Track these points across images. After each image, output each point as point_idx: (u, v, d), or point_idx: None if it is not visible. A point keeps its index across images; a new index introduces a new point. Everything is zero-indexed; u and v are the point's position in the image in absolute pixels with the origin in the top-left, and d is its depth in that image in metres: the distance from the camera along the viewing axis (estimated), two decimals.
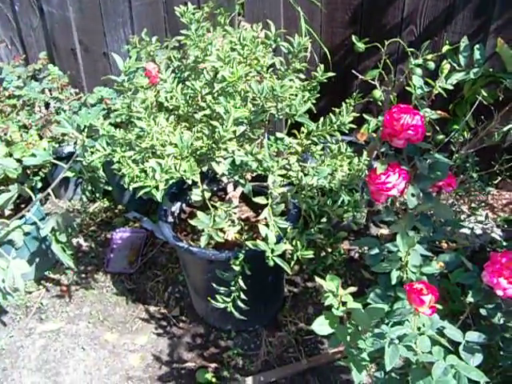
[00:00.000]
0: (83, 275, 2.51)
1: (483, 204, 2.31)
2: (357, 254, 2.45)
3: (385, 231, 2.54)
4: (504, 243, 2.20)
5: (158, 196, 1.54)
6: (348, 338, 1.28)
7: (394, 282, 1.29)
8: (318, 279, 1.30)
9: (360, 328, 1.27)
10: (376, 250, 1.46)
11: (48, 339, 2.23)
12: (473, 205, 2.28)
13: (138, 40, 2.40)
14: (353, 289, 1.28)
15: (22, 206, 2.44)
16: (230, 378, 2.03)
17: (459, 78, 2.06)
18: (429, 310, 1.14)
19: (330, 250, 2.07)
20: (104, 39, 2.93)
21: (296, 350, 2.11)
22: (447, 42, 2.20)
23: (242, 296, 1.72)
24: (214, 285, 1.75)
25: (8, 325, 2.30)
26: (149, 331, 2.23)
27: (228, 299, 1.73)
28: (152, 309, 2.33)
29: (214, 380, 2.01)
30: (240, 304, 1.73)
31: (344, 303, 1.27)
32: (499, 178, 2.25)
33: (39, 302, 2.39)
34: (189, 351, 2.14)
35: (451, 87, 1.58)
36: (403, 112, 1.27)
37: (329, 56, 2.37)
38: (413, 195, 1.32)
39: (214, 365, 2.08)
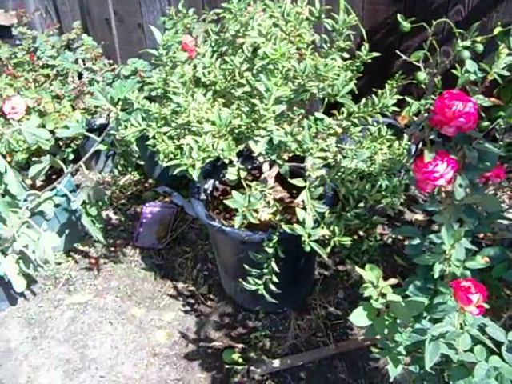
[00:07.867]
0: (112, 249, 2.51)
1: None
2: (390, 239, 2.39)
3: (419, 217, 2.47)
4: None
5: (195, 175, 1.50)
6: (385, 330, 1.24)
7: (436, 275, 1.24)
8: (358, 269, 1.26)
9: (399, 321, 1.23)
10: (417, 240, 1.41)
11: (76, 311, 2.24)
12: None
13: (174, 12, 2.35)
14: (393, 281, 1.23)
15: (54, 177, 2.43)
16: (256, 359, 2.01)
17: (509, 62, 1.96)
18: (476, 310, 1.09)
19: (365, 234, 2.02)
20: (139, 10, 2.87)
21: (324, 335, 2.07)
22: (498, 23, 2.10)
23: (274, 279, 1.68)
24: (246, 266, 1.72)
25: (37, 294, 2.31)
26: (176, 308, 2.22)
27: (260, 281, 1.70)
28: (180, 285, 2.31)
29: (240, 360, 2.00)
30: (272, 287, 1.69)
31: (383, 295, 1.23)
32: None
33: (68, 274, 2.40)
34: (216, 330, 2.12)
35: (507, 73, 1.49)
36: (455, 99, 1.20)
37: (368, 35, 2.27)
38: (460, 186, 1.25)
39: (240, 345, 2.06)
